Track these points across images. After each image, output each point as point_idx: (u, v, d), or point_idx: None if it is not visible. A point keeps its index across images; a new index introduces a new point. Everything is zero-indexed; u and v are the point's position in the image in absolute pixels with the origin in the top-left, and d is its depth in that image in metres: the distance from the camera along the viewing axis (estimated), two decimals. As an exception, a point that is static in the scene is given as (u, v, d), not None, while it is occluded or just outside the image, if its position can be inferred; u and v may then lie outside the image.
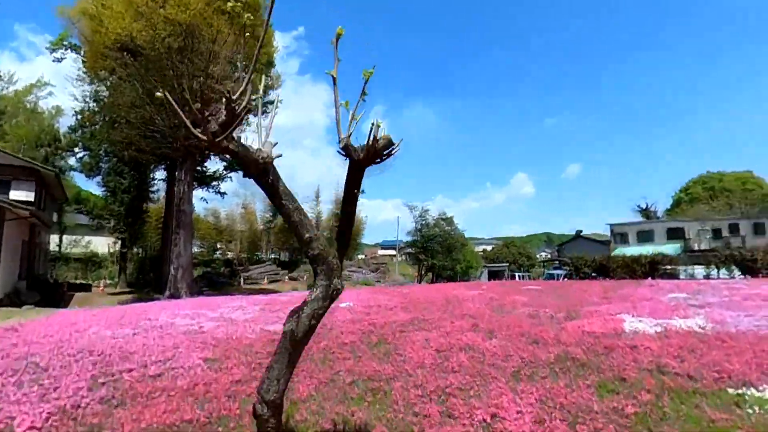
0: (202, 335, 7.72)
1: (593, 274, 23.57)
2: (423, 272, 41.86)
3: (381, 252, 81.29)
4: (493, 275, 40.24)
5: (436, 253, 39.52)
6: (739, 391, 4.18)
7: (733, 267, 19.77)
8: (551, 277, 30.18)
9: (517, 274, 39.73)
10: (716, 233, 33.69)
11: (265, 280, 32.28)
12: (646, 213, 49.78)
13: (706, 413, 3.79)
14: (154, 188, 30.45)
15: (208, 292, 23.54)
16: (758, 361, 4.91)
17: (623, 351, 5.74)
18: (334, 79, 2.23)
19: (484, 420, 3.83)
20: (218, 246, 46.04)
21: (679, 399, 4.13)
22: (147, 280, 25.27)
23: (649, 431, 3.60)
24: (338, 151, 2.20)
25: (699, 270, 21.49)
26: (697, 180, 47.99)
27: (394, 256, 62.29)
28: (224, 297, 15.27)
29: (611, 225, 41.25)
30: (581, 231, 51.47)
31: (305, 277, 34.83)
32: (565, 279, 26.18)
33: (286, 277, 34.77)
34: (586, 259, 24.75)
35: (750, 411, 3.81)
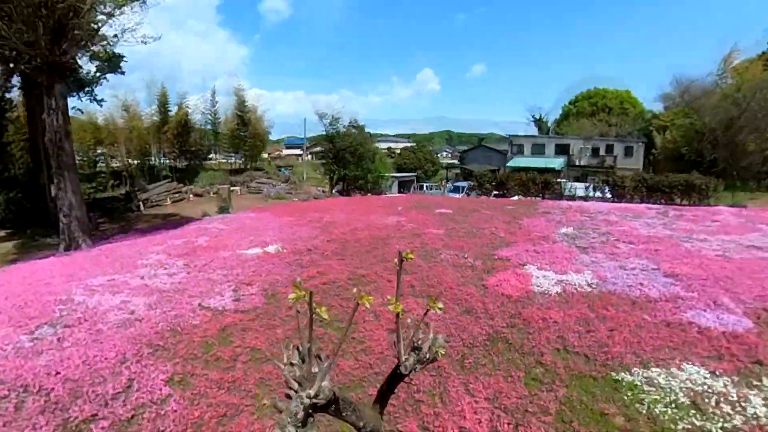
0: (139, 327, 7.42)
1: (494, 191, 26.20)
2: (334, 183, 42.10)
3: (286, 152, 77.80)
4: (402, 186, 42.26)
5: (348, 163, 39.62)
6: (617, 377, 5.54)
7: (606, 188, 23.63)
8: (456, 190, 32.87)
9: (425, 185, 42.18)
10: (595, 152, 38.97)
11: (168, 201, 29.86)
12: (539, 123, 54.51)
13: (600, 406, 5.09)
14: (13, 111, 24.05)
15: (105, 227, 21.40)
16: (631, 339, 6.40)
17: (537, 325, 7.04)
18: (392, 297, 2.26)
19: None
20: (99, 151, 39.67)
21: (583, 388, 5.42)
22: (25, 214, 21.54)
23: (564, 429, 4.79)
24: (397, 372, 2.34)
25: (580, 188, 25.24)
26: (585, 94, 52.79)
27: (300, 155, 60.38)
28: (133, 244, 14.08)
29: (510, 137, 44.73)
30: (483, 139, 54.97)
31: (211, 192, 32.79)
32: (469, 194, 28.78)
33: (191, 195, 32.42)
34: (488, 176, 27.19)
35: (625, 397, 5.16)
